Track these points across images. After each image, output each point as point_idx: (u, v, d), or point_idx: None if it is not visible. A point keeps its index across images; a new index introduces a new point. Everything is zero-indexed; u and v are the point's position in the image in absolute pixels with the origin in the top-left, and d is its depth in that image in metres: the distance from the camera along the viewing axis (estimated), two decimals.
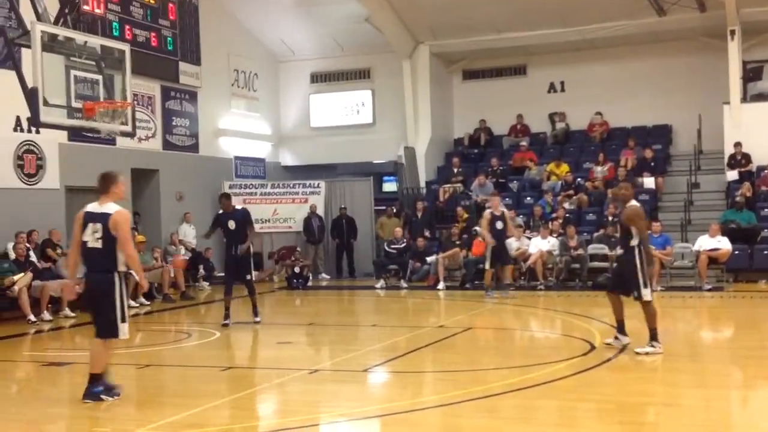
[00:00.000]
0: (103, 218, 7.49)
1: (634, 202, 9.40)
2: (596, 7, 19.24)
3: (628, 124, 21.19)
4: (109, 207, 7.57)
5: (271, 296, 17.35)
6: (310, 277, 19.13)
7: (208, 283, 18.49)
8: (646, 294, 9.07)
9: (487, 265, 15.22)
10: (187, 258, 18.04)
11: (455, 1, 19.66)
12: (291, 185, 20.98)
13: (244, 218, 12.51)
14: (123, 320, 7.45)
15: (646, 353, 8.93)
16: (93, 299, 7.59)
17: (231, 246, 12.42)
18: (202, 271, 18.53)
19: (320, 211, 20.56)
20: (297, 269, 18.63)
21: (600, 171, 19.56)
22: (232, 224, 12.33)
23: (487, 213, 15.27)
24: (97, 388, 7.52)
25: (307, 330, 12.52)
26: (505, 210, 15.81)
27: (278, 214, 20.59)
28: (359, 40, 21.87)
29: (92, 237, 7.50)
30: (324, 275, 20.15)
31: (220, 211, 12.67)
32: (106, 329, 7.49)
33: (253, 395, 7.82)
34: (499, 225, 15.11)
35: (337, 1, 20.63)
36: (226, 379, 8.75)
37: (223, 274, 19.60)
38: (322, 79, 23.43)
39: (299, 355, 10.46)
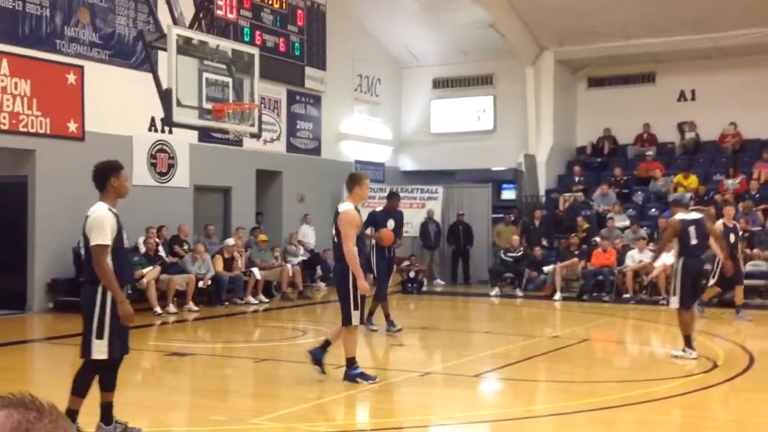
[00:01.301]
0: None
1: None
2: (730, 13, 18.44)
3: (762, 136, 20.18)
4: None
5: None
6: (425, 283, 19.18)
7: (324, 284, 18.82)
8: (674, 302, 9.49)
9: (712, 281, 13.33)
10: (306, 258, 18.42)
11: (582, 7, 19.29)
12: (409, 190, 21.09)
13: (401, 219, 12.43)
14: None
15: (676, 356, 9.46)
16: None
17: (385, 247, 12.00)
18: (319, 271, 18.89)
19: (437, 217, 20.58)
20: (412, 274, 18.71)
21: (731, 183, 18.74)
22: (391, 224, 12.03)
23: (719, 224, 13.25)
24: (355, 371, 8.04)
25: (419, 334, 12.56)
26: (736, 223, 13.95)
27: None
28: (482, 46, 21.78)
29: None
30: (439, 281, 20.15)
31: (379, 209, 12.32)
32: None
33: (364, 394, 7.92)
34: (732, 238, 13.31)
35: (462, 7, 20.62)
36: (338, 377, 8.88)
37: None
38: (444, 84, 23.48)
39: (411, 357, 10.51)
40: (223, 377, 9.13)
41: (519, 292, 17.55)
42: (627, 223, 18.42)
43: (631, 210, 19.13)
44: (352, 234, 7.93)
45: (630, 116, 21.43)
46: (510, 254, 18.29)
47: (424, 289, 18.75)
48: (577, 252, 17.47)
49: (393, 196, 12.72)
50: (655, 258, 12.82)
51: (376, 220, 11.98)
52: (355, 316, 8.03)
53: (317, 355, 8.31)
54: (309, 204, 19.67)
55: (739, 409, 7.35)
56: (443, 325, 13.87)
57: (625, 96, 21.87)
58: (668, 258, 16.27)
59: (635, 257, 16.58)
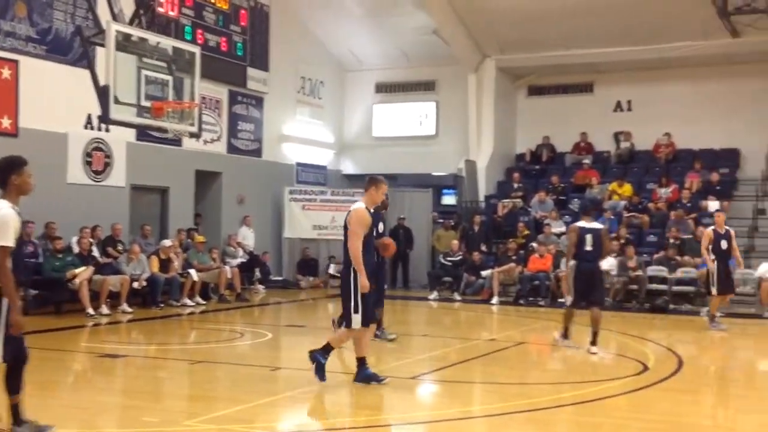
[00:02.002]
0: None
1: None
2: (668, 26, 18.94)
3: (695, 147, 20.76)
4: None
5: (324, 302, 17.46)
6: None
7: (263, 286, 18.70)
8: (567, 300, 10.78)
9: (714, 291, 13.27)
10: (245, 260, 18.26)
11: (524, 16, 19.58)
12: (351, 193, 21.08)
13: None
14: None
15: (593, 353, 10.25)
16: None
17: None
18: (258, 274, 18.74)
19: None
20: None
21: (663, 192, 19.22)
22: (381, 227, 11.22)
23: (709, 231, 13.43)
24: (367, 371, 8.02)
25: None
26: (731, 229, 13.82)
27: (336, 221, 20.70)
28: (426, 52, 21.93)
29: None
30: None
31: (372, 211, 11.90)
32: None
33: (301, 396, 7.87)
34: (724, 245, 13.21)
35: (406, 13, 20.73)
36: (275, 379, 8.85)
37: (281, 279, 19.94)
38: (387, 89, 23.56)
39: (349, 360, 10.49)
40: (157, 379, 8.99)
41: (457, 296, 17.72)
42: (563, 229, 18.68)
43: (567, 216, 19.44)
44: (360, 233, 7.89)
45: (568, 125, 21.82)
46: (449, 258, 18.45)
47: None
48: (514, 257, 17.71)
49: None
50: (567, 263, 12.98)
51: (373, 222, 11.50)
52: (356, 319, 7.90)
53: (318, 358, 8.20)
54: (249, 206, 19.52)
55: (669, 410, 7.53)
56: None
57: (564, 105, 22.26)
58: (604, 263, 16.66)
59: (570, 263, 16.81)
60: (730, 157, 20.49)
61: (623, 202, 19.28)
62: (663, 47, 19.66)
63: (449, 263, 18.42)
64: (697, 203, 18.70)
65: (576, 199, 20.15)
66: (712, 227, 13.53)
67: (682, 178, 19.60)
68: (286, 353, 11.21)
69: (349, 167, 23.76)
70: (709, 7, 16.60)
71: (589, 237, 10.48)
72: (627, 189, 19.67)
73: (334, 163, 23.32)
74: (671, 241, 17.12)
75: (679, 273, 16.37)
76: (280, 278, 19.97)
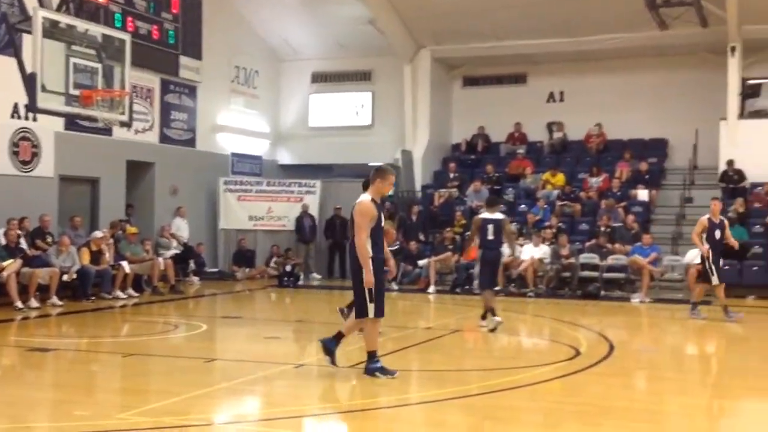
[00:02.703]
0: None
1: None
2: (598, 18, 19.29)
3: (624, 137, 21.24)
4: None
5: (261, 293, 17.35)
6: (302, 276, 19.13)
7: (198, 278, 18.47)
8: (476, 285, 11.99)
9: (716, 280, 12.83)
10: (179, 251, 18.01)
11: (458, 8, 19.71)
12: (286, 184, 21.02)
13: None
14: None
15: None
16: None
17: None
18: (192, 265, 18.50)
19: (314, 211, 20.59)
20: (288, 268, 18.62)
21: (594, 182, 19.62)
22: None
23: (704, 219, 12.94)
24: (375, 364, 7.87)
25: (295, 326, 12.53)
26: (725, 219, 13.37)
27: (272, 212, 20.63)
28: (361, 42, 21.91)
29: None
30: (315, 275, 20.15)
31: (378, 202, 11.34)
32: None
33: (237, 387, 7.80)
34: (718, 234, 12.86)
35: (341, 2, 20.67)
36: (210, 371, 8.74)
37: (216, 270, 19.72)
38: (323, 79, 23.46)
39: (286, 350, 10.47)
40: (89, 373, 8.81)
41: (394, 286, 17.76)
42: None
43: (502, 206, 19.66)
44: (365, 225, 7.76)
45: (502, 115, 22.08)
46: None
47: (301, 282, 18.70)
48: (451, 246, 17.86)
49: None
50: (467, 249, 13.22)
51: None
52: (371, 308, 7.79)
53: (329, 345, 8.16)
54: (183, 196, 19.23)
55: (600, 393, 7.71)
56: (319, 318, 13.85)
57: (498, 95, 22.51)
58: (536, 251, 16.97)
59: (505, 252, 17.03)
60: (659, 147, 21.03)
61: (556, 191, 19.62)
62: (594, 39, 20.03)
63: None
64: (627, 192, 19.15)
65: (511, 189, 20.43)
66: (707, 215, 12.95)
67: (612, 167, 20.04)
68: (221, 344, 11.10)
69: (285, 157, 23.61)
70: (638, 0, 16.95)
71: (490, 227, 11.33)
72: (560, 178, 20.02)
73: (270, 153, 23.14)
74: (602, 229, 17.50)
75: (610, 260, 16.75)
76: (215, 270, 19.76)
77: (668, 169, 20.67)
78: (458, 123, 23.18)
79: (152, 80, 18.57)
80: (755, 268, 16.31)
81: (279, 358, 9.34)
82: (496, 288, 16.53)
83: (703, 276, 13.16)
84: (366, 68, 23.03)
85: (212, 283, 18.45)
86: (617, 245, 17.03)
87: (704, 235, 12.84)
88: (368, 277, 7.72)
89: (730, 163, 18.52)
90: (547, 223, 18.10)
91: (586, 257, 16.95)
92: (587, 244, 17.48)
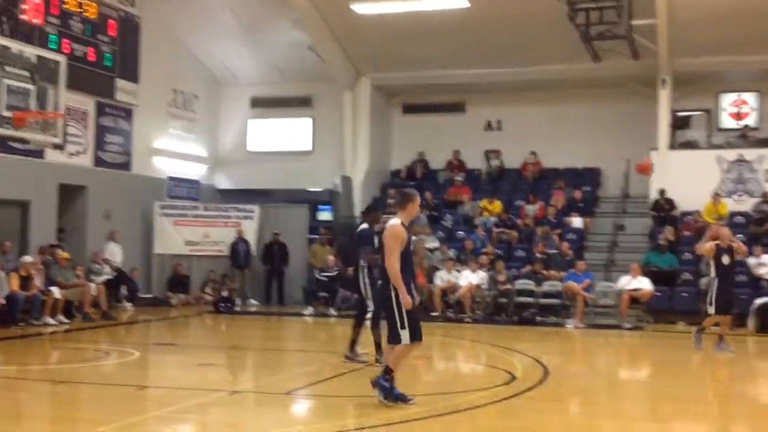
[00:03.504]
0: None
1: None
2: (535, 49, 19.70)
3: (560, 165, 21.65)
4: None
5: (196, 320, 17.08)
6: (238, 302, 18.91)
7: (131, 304, 18.10)
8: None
9: (712, 309, 12.26)
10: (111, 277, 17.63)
11: (398, 36, 19.92)
12: (224, 208, 20.81)
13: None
14: None
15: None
16: None
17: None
18: (125, 291, 18.12)
19: (252, 237, 20.40)
20: (224, 293, 18.40)
21: (531, 209, 19.93)
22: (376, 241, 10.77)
23: (712, 244, 12.38)
24: (385, 381, 7.76)
25: (230, 353, 12.35)
26: (736, 244, 12.70)
27: (209, 237, 20.37)
28: (301, 68, 21.93)
29: None
30: (252, 301, 19.94)
31: (365, 226, 10.84)
32: None
33: (170, 415, 7.65)
34: (726, 260, 12.24)
35: (281, 29, 20.69)
36: (142, 399, 8.55)
37: (150, 296, 19.35)
38: (262, 104, 23.39)
39: (221, 376, 10.31)
40: (16, 401, 8.52)
41: (332, 311, 17.72)
42: (437, 244, 19.11)
43: (440, 232, 19.87)
44: (396, 249, 7.64)
45: (441, 143, 22.31)
46: (325, 274, 18.45)
47: (237, 308, 18.48)
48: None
49: (375, 209, 11.46)
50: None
51: (371, 239, 10.52)
52: (404, 335, 7.64)
53: (383, 383, 7.86)
54: (117, 221, 18.85)
55: (535, 418, 7.78)
56: (255, 345, 13.74)
57: (437, 123, 22.76)
58: (473, 277, 17.12)
59: (443, 277, 17.27)
60: (592, 176, 21.48)
61: (493, 219, 19.87)
62: (530, 70, 20.44)
63: (325, 278, 18.42)
64: (561, 219, 19.49)
65: (449, 215, 20.61)
66: (716, 241, 12.35)
67: (548, 195, 20.39)
68: (154, 372, 10.88)
69: (223, 182, 23.41)
70: (572, 32, 17.38)
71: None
72: (497, 206, 20.29)
73: (208, 177, 22.91)
74: (538, 255, 17.77)
75: (546, 286, 16.99)
76: (149, 295, 19.38)
77: (601, 197, 21.12)
78: (398, 150, 23.33)
79: (87, 103, 18.24)
80: (685, 294, 16.71)
81: (214, 386, 9.20)
82: (434, 313, 16.72)
83: (726, 307, 12.37)
84: (306, 94, 23.05)
85: (146, 309, 18.09)
86: (552, 272, 17.30)
87: (713, 262, 12.31)
88: (406, 298, 7.60)
89: (661, 192, 19.03)
90: (484, 250, 18.30)
91: (522, 283, 17.17)
92: (523, 270, 17.71)
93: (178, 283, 19.64)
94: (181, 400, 8.29)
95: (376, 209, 11.28)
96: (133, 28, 19.55)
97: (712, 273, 12.29)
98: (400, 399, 7.77)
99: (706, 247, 12.47)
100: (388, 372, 7.84)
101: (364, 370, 10.31)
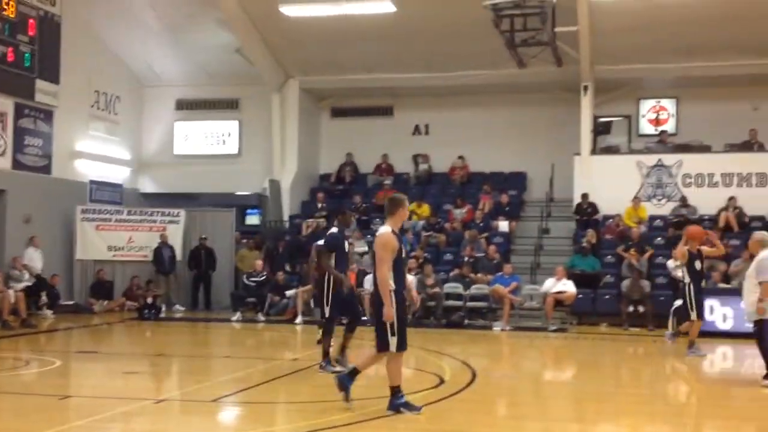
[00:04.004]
0: None
1: None
2: (462, 55, 19.94)
3: (486, 170, 21.94)
4: None
5: (120, 327, 16.70)
6: (163, 309, 18.57)
7: (52, 311, 17.59)
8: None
9: (694, 315, 12.21)
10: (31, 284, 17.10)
11: (326, 39, 19.89)
12: (148, 213, 20.41)
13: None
14: None
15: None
16: None
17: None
18: (45, 298, 17.59)
19: (178, 241, 20.06)
20: (149, 300, 18.05)
21: (459, 213, 20.14)
22: (346, 246, 10.55)
23: (684, 250, 12.22)
24: (399, 399, 7.69)
25: (155, 360, 12.11)
26: (706, 246, 12.59)
27: (133, 242, 19.96)
28: (229, 71, 21.71)
29: None
30: (178, 307, 19.60)
31: (335, 230, 10.46)
32: None
33: (93, 425, 7.45)
34: (698, 265, 12.22)
35: (207, 30, 20.43)
36: (64, 408, 8.32)
37: (72, 303, 18.82)
38: (189, 106, 23.05)
39: (145, 384, 10.10)
40: None
41: (261, 317, 17.56)
42: (366, 248, 19.12)
43: (369, 236, 19.86)
44: (387, 258, 7.50)
45: (370, 147, 22.38)
46: (253, 279, 18.28)
47: (163, 315, 18.14)
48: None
49: (345, 212, 11.06)
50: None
51: (338, 243, 10.28)
52: (392, 341, 7.59)
53: (344, 382, 7.86)
54: (37, 226, 18.32)
55: (464, 420, 7.85)
56: (181, 351, 13.50)
57: (365, 127, 22.81)
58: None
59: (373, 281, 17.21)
60: (518, 180, 21.84)
61: (422, 222, 20.00)
62: (457, 75, 20.67)
63: (253, 283, 18.24)
64: (489, 223, 19.76)
65: (378, 219, 20.63)
66: (687, 246, 12.24)
67: (475, 199, 20.64)
68: (76, 380, 10.59)
69: (147, 186, 22.96)
70: (498, 39, 17.66)
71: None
72: (425, 209, 20.44)
73: (131, 181, 22.45)
74: (466, 259, 17.96)
75: (473, 290, 17.19)
76: (71, 302, 18.86)
77: (527, 201, 21.50)
78: (326, 153, 23.29)
79: (6, 104, 17.71)
80: (607, 296, 17.14)
81: (138, 394, 9.00)
82: (364, 318, 16.70)
83: (684, 312, 12.52)
84: (233, 96, 22.82)
85: (67, 316, 17.60)
86: (480, 275, 17.51)
87: (685, 268, 12.25)
88: (388, 311, 7.53)
89: (584, 196, 19.47)
90: (413, 254, 18.39)
91: (450, 287, 17.33)
92: (452, 273, 17.88)
93: (101, 289, 19.17)
94: (104, 410, 8.08)
95: (344, 212, 10.88)
96: (53, 27, 19.03)
97: (687, 278, 12.17)
98: (409, 408, 7.76)
99: (678, 252, 12.41)
100: (395, 392, 7.78)
101: (294, 376, 10.25)
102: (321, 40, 19.97)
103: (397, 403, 7.77)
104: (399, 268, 7.66)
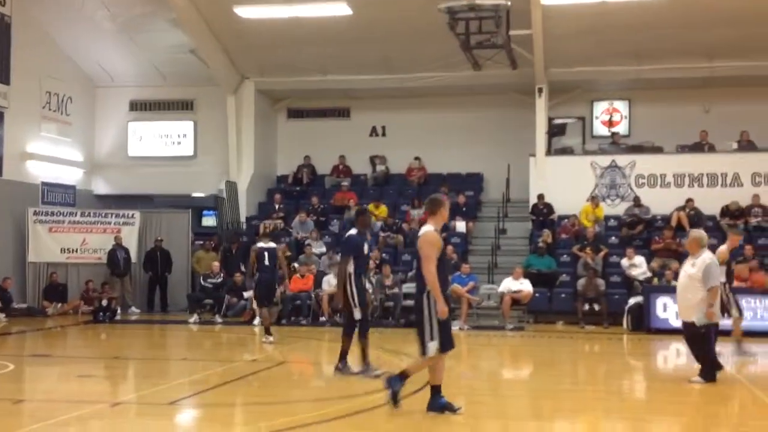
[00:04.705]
0: None
1: None
2: (417, 57, 20.04)
3: (443, 171, 22.07)
4: None
5: (74, 330, 16.44)
6: (119, 311, 18.33)
7: (4, 315, 17.25)
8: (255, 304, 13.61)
9: (736, 312, 12.08)
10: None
11: (282, 41, 19.83)
12: (103, 214, 20.13)
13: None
14: None
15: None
16: None
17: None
18: None
19: (133, 243, 19.82)
20: (104, 302, 17.79)
21: (416, 213, 20.20)
22: (366, 248, 10.42)
23: (726, 252, 11.88)
24: (440, 401, 7.67)
25: (111, 363, 11.95)
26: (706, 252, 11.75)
27: (87, 243, 19.67)
28: (183, 71, 21.52)
29: None
30: (134, 309, 19.36)
31: (354, 232, 10.29)
32: None
33: (47, 429, 7.33)
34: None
35: (161, 30, 20.22)
36: (18, 413, 8.16)
37: (24, 306, 18.47)
38: (142, 107, 22.79)
39: (101, 388, 9.95)
40: None
41: (218, 319, 17.43)
42: (324, 249, 19.12)
43: (327, 237, 19.88)
44: (434, 256, 7.46)
45: (327, 148, 22.35)
46: (209, 280, 18.14)
47: (118, 317, 17.90)
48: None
49: (365, 213, 10.99)
50: (250, 277, 14.42)
51: (358, 245, 10.14)
52: (432, 346, 7.55)
53: (394, 385, 7.76)
54: None
55: (422, 419, 7.89)
56: (137, 354, 13.34)
57: (322, 128, 22.79)
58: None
59: (331, 282, 17.21)
60: (475, 181, 22.01)
61: (380, 223, 20.04)
62: (413, 77, 20.77)
63: (210, 285, 18.10)
64: (446, 224, 19.82)
65: (336, 220, 20.66)
66: (725, 246, 11.99)
67: None
68: (30, 385, 10.39)
69: (101, 187, 22.66)
70: (454, 41, 17.78)
71: (266, 254, 13.45)
72: (383, 210, 20.48)
73: (85, 182, 22.12)
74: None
75: None
76: (23, 305, 18.52)
77: (484, 202, 21.67)
78: (283, 155, 23.21)
79: None
80: (563, 295, 17.36)
81: (93, 397, 8.87)
82: (322, 318, 16.72)
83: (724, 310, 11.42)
84: (188, 97, 22.62)
85: (20, 319, 17.29)
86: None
87: (725, 268, 11.64)
88: (442, 307, 7.51)
89: (540, 196, 19.69)
90: (372, 255, 18.39)
91: (409, 287, 17.34)
92: (410, 274, 17.91)
93: (54, 291, 18.86)
94: (59, 413, 7.96)
95: (364, 213, 10.85)
96: (3, 28, 18.68)
97: (723, 278, 11.46)
98: (449, 408, 7.76)
99: (722, 254, 11.80)
100: (435, 391, 7.77)
101: (252, 377, 10.20)
102: (277, 41, 19.90)
103: (439, 403, 7.77)
104: (441, 268, 7.68)
